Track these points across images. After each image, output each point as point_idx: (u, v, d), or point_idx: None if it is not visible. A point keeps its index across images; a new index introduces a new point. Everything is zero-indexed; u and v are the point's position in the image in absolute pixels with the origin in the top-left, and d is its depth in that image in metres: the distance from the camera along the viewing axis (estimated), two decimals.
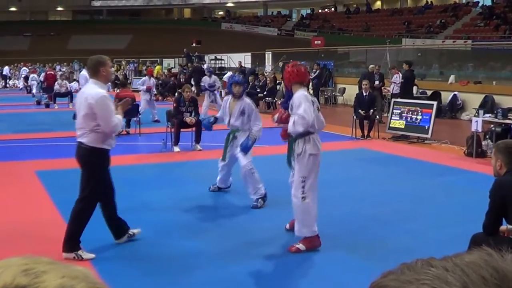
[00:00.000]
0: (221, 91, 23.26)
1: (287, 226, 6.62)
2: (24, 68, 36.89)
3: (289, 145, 6.14)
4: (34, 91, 28.79)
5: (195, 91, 23.17)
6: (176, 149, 12.17)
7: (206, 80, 19.17)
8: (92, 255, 5.80)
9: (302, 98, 5.86)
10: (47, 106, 22.93)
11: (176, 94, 20.35)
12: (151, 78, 18.73)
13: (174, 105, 12.89)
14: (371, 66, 20.03)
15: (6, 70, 38.95)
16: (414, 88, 19.25)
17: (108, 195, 6.07)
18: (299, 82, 6.14)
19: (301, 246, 5.94)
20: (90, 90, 5.71)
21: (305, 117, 5.74)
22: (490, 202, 4.55)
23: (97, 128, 5.65)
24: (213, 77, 19.64)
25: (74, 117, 17.90)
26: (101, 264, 5.56)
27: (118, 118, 5.79)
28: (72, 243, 5.80)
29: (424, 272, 0.63)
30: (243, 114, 7.95)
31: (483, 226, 4.61)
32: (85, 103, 5.64)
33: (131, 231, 6.29)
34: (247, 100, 8.28)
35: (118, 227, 6.22)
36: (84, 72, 19.01)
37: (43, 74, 27.40)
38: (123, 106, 6.08)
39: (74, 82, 33.01)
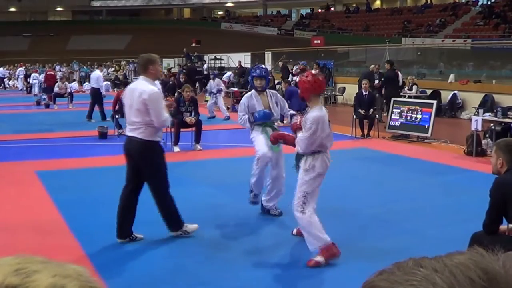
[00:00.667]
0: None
1: (294, 231, 6.50)
2: (21, 69, 36.86)
3: (296, 158, 5.88)
4: (36, 90, 28.84)
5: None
6: (176, 149, 12.17)
7: (211, 84, 19.52)
8: (195, 226, 6.46)
9: (315, 122, 5.55)
10: (47, 106, 22.90)
11: (175, 94, 20.39)
12: None
13: (174, 105, 12.87)
14: (372, 66, 20.04)
15: (1, 71, 38.77)
16: (414, 87, 19.26)
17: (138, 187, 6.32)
18: (317, 94, 5.82)
19: (319, 258, 5.63)
20: (143, 87, 6.00)
21: (306, 143, 5.57)
22: (491, 201, 4.54)
23: (152, 123, 5.97)
24: (217, 80, 19.97)
25: (89, 116, 17.87)
26: (101, 264, 5.55)
27: (168, 117, 6.24)
28: (175, 223, 6.32)
29: (413, 273, 0.63)
30: (277, 104, 7.56)
31: (483, 225, 4.61)
32: (138, 99, 5.93)
33: (134, 235, 6.31)
34: (272, 90, 8.05)
35: (124, 225, 6.29)
36: (99, 73, 19.18)
37: (43, 75, 27.39)
38: (168, 107, 6.46)
39: (74, 82, 33.09)
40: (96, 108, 17.89)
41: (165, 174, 6.21)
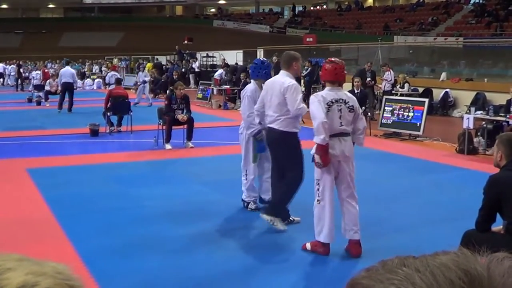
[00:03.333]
0: (213, 89, 23.30)
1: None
2: (1, 64, 37.54)
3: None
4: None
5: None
6: (168, 146, 12.13)
7: (140, 75, 23.24)
8: (285, 227, 6.48)
9: (311, 101, 5.70)
10: (39, 103, 22.81)
11: (168, 91, 20.41)
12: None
13: (166, 102, 12.82)
14: (368, 64, 20.02)
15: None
16: (406, 85, 19.26)
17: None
18: (330, 81, 5.79)
19: (308, 245, 5.89)
20: (283, 80, 6.43)
21: (315, 128, 5.55)
22: (484, 199, 4.52)
23: (288, 113, 6.34)
24: (145, 72, 23.97)
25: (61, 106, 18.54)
26: (93, 262, 5.53)
27: (304, 106, 6.41)
28: (275, 209, 6.52)
29: (396, 272, 0.63)
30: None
31: (476, 222, 4.60)
32: (278, 91, 6.37)
33: (292, 218, 6.79)
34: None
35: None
36: (72, 69, 20.24)
37: (37, 72, 27.50)
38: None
39: None
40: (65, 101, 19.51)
41: (299, 164, 6.47)
